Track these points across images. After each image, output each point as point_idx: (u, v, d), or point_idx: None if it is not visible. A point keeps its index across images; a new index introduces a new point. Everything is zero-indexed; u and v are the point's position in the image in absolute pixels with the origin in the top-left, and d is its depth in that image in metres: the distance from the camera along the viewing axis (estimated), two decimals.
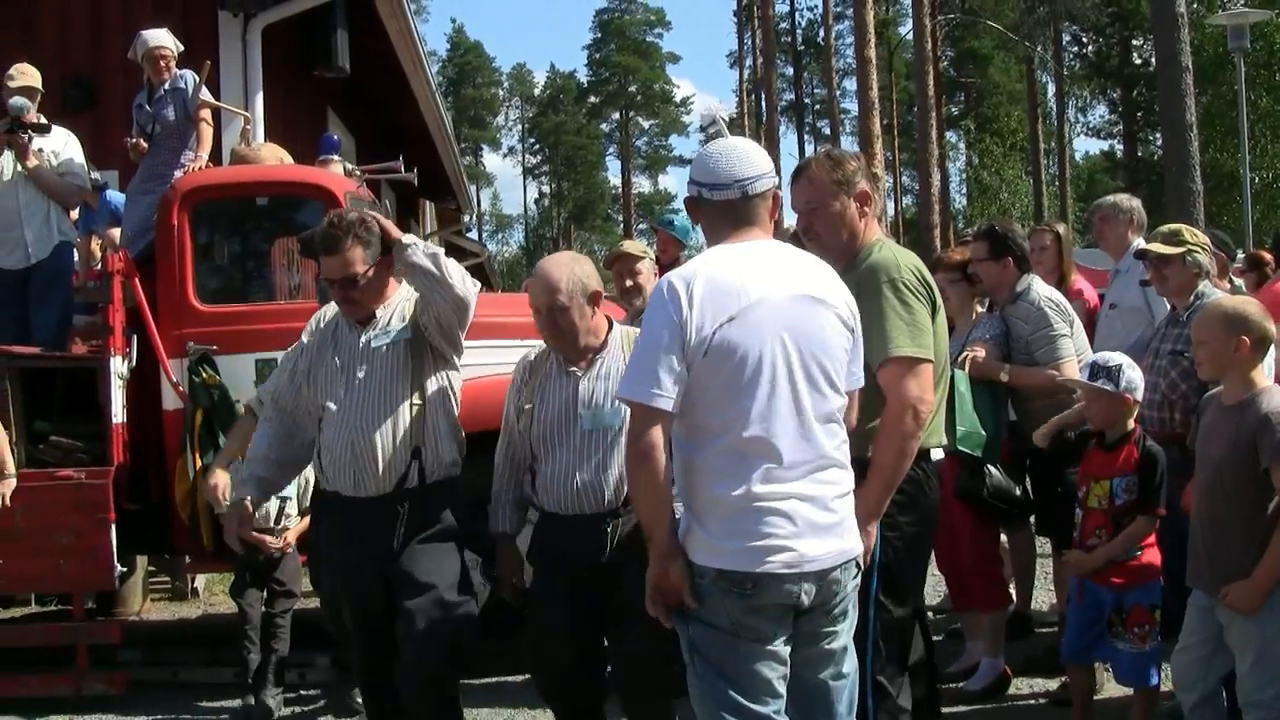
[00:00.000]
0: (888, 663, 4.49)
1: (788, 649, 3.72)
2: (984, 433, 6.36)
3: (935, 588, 7.88)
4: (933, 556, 6.03)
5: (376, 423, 5.08)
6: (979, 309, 7.22)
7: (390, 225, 5.26)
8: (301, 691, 7.31)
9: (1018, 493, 6.70)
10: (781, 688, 3.70)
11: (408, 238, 5.16)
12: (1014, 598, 7.46)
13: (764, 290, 3.68)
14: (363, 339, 5.21)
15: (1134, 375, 5.67)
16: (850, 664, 3.91)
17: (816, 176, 4.59)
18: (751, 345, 3.63)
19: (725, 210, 3.87)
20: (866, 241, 4.57)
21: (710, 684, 3.69)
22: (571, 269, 4.99)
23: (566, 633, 5.04)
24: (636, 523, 4.33)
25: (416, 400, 5.13)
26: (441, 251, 5.13)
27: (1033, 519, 7.25)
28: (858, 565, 3.86)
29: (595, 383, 5.00)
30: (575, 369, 5.04)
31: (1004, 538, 7.35)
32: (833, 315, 3.81)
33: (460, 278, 5.11)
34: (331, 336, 5.31)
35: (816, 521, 3.66)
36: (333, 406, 5.16)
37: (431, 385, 5.20)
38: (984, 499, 6.48)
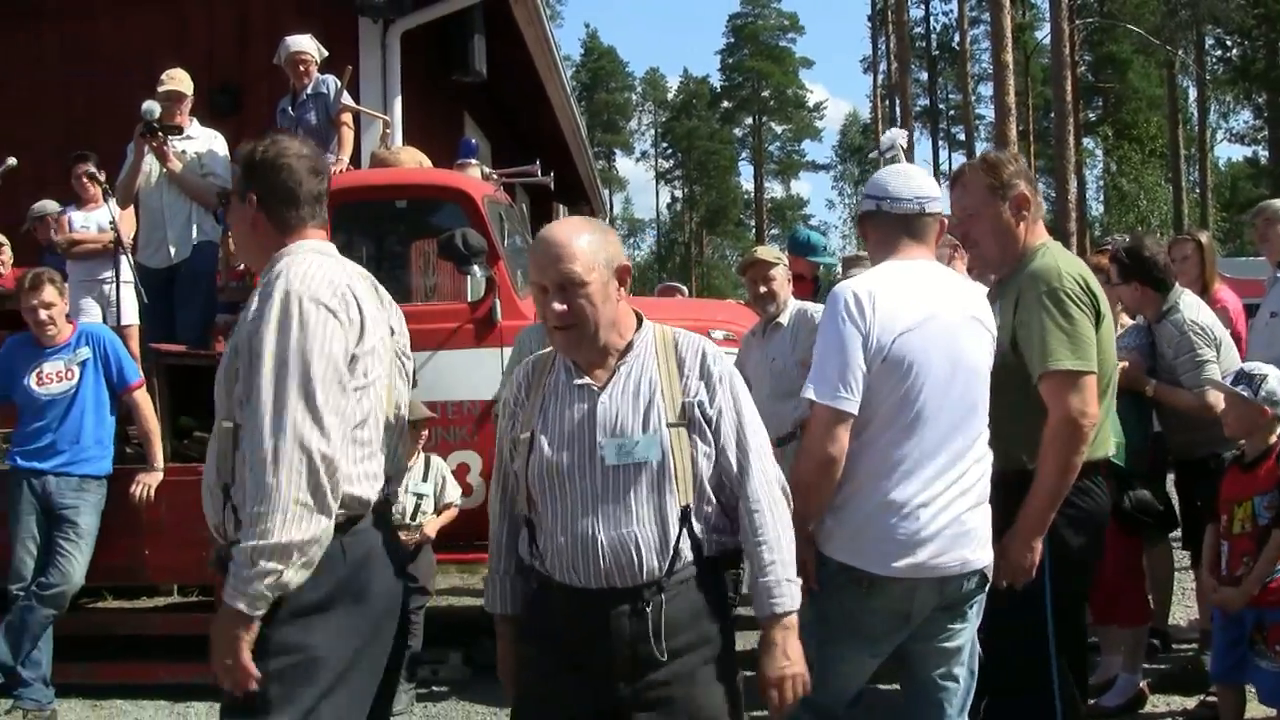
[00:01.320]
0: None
1: (879, 657, 3.97)
2: (1127, 442, 6.25)
3: None
4: None
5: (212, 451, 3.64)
6: (1125, 319, 7.10)
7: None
8: (434, 688, 7.38)
9: (1161, 508, 6.59)
10: (849, 696, 4.05)
11: None
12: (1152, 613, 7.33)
13: (936, 307, 3.89)
14: None
15: (1278, 387, 5.54)
16: (964, 668, 4.02)
17: (971, 182, 4.52)
18: (921, 358, 3.81)
19: (900, 224, 4.06)
20: (1030, 246, 4.46)
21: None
22: (591, 233, 3.51)
23: None
24: (681, 596, 3.42)
25: (226, 422, 3.53)
26: None
27: (1175, 532, 7.11)
28: (985, 576, 3.97)
29: (621, 400, 3.48)
30: (589, 380, 3.52)
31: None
32: (989, 338, 4.03)
33: None
34: None
35: (947, 532, 3.81)
36: None
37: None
38: (1127, 511, 6.37)
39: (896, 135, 7.21)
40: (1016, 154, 4.71)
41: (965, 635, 4.00)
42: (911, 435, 3.81)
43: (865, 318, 3.80)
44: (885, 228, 4.09)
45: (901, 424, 3.81)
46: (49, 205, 10.08)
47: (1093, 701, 6.54)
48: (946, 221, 4.19)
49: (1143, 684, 6.63)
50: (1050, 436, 4.15)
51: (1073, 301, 4.23)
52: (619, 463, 3.42)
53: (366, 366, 3.51)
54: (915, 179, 4.13)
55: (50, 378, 7.13)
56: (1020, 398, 4.20)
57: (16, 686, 6.94)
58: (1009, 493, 4.17)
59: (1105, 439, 4.48)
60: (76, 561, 7.01)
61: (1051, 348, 4.17)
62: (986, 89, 62.24)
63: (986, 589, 4.00)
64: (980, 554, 3.91)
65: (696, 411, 3.46)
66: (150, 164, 8.72)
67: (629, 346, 3.54)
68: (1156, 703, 6.66)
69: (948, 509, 3.82)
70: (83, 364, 7.16)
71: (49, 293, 7.14)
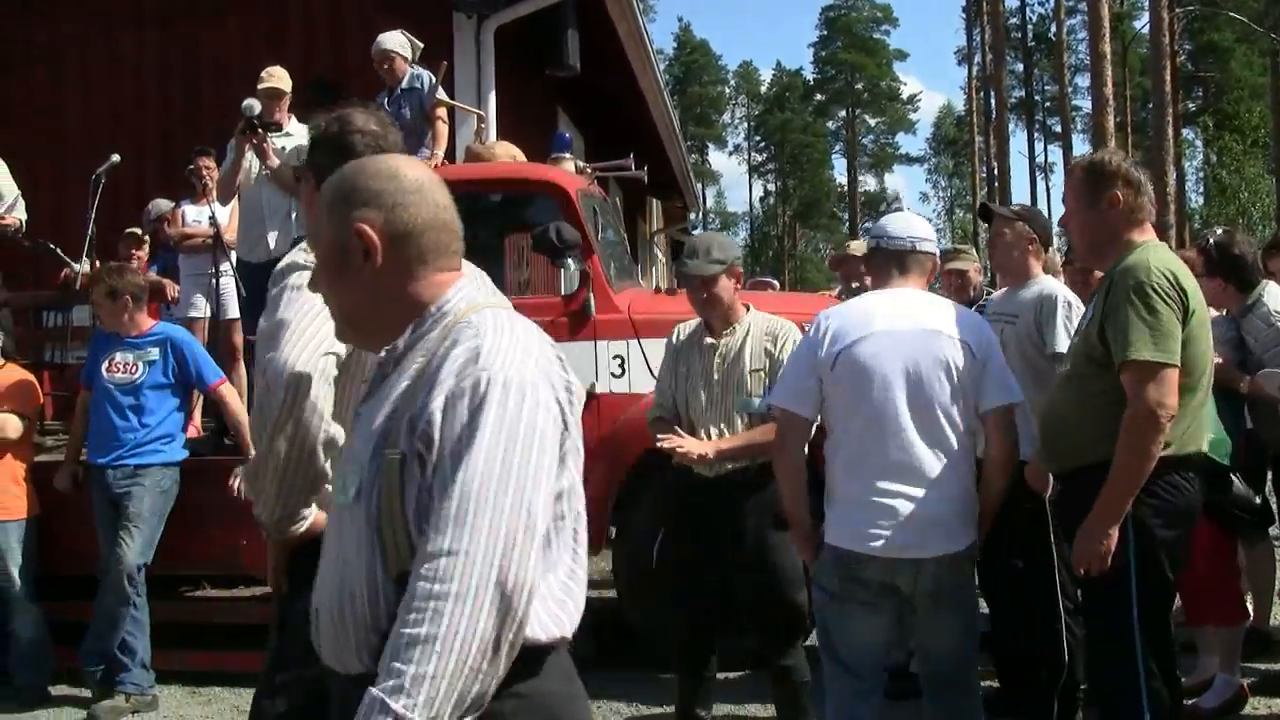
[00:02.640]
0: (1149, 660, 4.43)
1: (879, 625, 4.54)
2: (1229, 439, 6.16)
3: None
4: None
5: None
6: (1211, 311, 6.99)
7: None
8: None
9: (1258, 501, 6.49)
10: (870, 652, 4.60)
11: None
12: (1251, 612, 7.21)
13: (889, 324, 4.48)
14: None
15: None
16: (973, 645, 4.62)
17: (1073, 178, 4.69)
18: (866, 367, 4.41)
19: (895, 258, 4.69)
20: (1133, 244, 4.52)
21: (820, 634, 4.70)
22: (329, 190, 2.55)
23: None
24: None
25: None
26: None
27: (1272, 530, 7.00)
28: (967, 560, 4.51)
29: (372, 414, 2.48)
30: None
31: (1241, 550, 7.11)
32: (956, 345, 4.46)
33: None
34: None
35: (916, 520, 4.35)
36: None
37: None
38: (1222, 507, 6.28)
39: (898, 188, 7.76)
40: (1125, 156, 4.76)
41: (959, 613, 4.55)
42: (870, 434, 4.39)
43: (817, 337, 4.50)
44: (882, 262, 4.72)
45: (859, 425, 4.41)
46: (163, 204, 10.26)
47: (1191, 702, 6.45)
48: (938, 264, 4.92)
49: (1243, 684, 6.53)
50: (1126, 426, 4.22)
51: (1158, 295, 4.28)
52: (346, 500, 2.43)
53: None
54: (913, 224, 4.78)
55: (119, 366, 7.33)
56: (1108, 388, 4.30)
57: (118, 672, 7.11)
58: (1092, 484, 4.29)
59: (1196, 434, 4.48)
60: (127, 545, 7.12)
61: (1132, 339, 4.23)
62: (1083, 80, 61.70)
63: (974, 570, 4.64)
64: (953, 542, 4.42)
65: (410, 436, 2.29)
66: (250, 161, 8.84)
67: (410, 339, 2.47)
68: (1257, 705, 6.55)
69: (916, 500, 4.35)
70: (150, 363, 7.32)
71: (95, 292, 7.44)
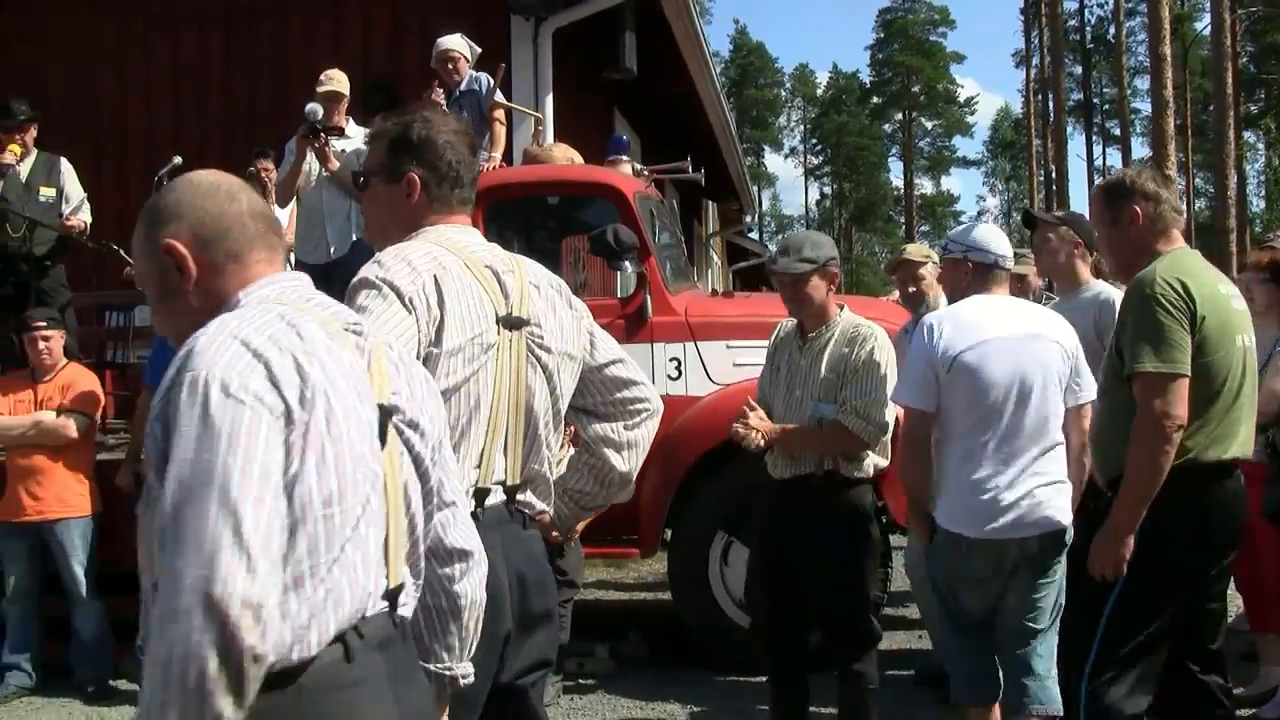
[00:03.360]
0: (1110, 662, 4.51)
1: (991, 595, 4.92)
2: None
3: (1229, 605, 7.59)
4: None
5: None
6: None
7: None
8: (580, 681, 7.46)
9: None
10: (977, 620, 5.00)
11: None
12: None
13: (999, 330, 4.89)
14: None
15: None
16: (1049, 615, 4.91)
17: (1095, 200, 4.89)
18: (981, 370, 4.81)
19: (990, 272, 5.13)
20: (1159, 255, 4.56)
21: (933, 602, 5.44)
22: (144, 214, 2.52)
23: None
24: None
25: None
26: None
27: None
28: (1060, 538, 4.84)
29: None
30: None
31: None
32: (1054, 347, 4.91)
33: None
34: None
35: (1022, 504, 4.76)
36: None
37: None
38: None
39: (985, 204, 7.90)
40: (1141, 170, 4.80)
41: (1050, 589, 4.89)
42: (983, 429, 4.80)
43: (933, 340, 4.89)
44: (980, 276, 5.13)
45: (973, 420, 4.82)
46: None
47: (1251, 712, 6.40)
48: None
49: None
50: (1134, 436, 4.36)
51: (1161, 306, 4.33)
52: None
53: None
54: (1004, 242, 5.24)
55: None
56: (1129, 401, 4.38)
57: None
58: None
59: (1222, 439, 4.46)
60: None
61: (1136, 351, 4.35)
62: (1143, 82, 61.22)
63: (1065, 550, 4.88)
64: (1051, 522, 4.80)
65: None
66: (310, 163, 8.89)
67: None
68: None
69: (1020, 485, 4.76)
70: None
71: None
